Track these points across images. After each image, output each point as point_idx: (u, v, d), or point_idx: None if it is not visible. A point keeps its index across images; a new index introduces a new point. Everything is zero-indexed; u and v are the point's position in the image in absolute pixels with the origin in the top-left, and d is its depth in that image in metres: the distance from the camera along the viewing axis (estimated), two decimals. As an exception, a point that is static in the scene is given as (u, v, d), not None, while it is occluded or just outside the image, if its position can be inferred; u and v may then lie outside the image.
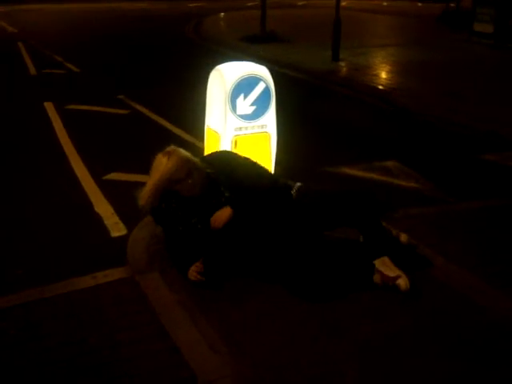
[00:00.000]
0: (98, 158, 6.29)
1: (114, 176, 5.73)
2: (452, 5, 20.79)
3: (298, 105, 8.79)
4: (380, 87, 10.07)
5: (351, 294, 3.45)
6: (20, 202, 5.19)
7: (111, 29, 20.35)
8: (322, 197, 3.80)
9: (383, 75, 11.29)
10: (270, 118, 4.07)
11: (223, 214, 3.53)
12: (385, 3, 32.75)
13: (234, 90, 3.86)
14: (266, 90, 3.97)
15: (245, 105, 3.93)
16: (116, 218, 4.73)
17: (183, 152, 3.59)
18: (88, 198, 5.20)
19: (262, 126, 4.04)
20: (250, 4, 28.77)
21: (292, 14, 25.69)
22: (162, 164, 3.51)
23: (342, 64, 12.26)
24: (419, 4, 31.43)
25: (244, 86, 3.89)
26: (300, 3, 32.93)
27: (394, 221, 4.33)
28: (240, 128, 3.97)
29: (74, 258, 4.09)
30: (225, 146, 3.97)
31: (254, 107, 3.96)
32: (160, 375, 2.86)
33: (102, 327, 3.24)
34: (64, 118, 7.94)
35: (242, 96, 3.90)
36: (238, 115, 3.93)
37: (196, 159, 3.62)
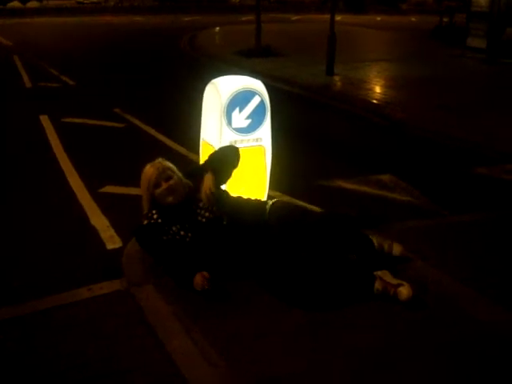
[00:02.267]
0: (94, 171, 6.31)
1: (109, 189, 5.75)
2: (445, 20, 20.99)
3: (292, 119, 8.84)
4: (375, 101, 10.14)
5: (347, 305, 3.45)
6: (15, 215, 5.19)
7: (107, 42, 20.45)
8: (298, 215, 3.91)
9: (378, 89, 11.37)
10: (265, 132, 4.10)
11: (208, 181, 3.77)
12: (378, 18, 33.03)
13: (229, 103, 3.89)
14: (261, 104, 4.00)
15: (240, 118, 3.96)
16: (111, 231, 4.74)
17: (167, 161, 3.87)
18: (84, 210, 5.22)
19: (257, 140, 4.08)
20: (244, 19, 28.97)
21: (286, 28, 25.87)
22: (145, 170, 3.82)
23: (337, 78, 12.35)
24: (413, 19, 31.71)
25: (239, 99, 3.93)
26: (294, 18, 33.16)
27: (390, 234, 4.35)
28: (235, 141, 4.00)
29: (70, 271, 4.10)
30: (220, 159, 3.99)
31: (249, 121, 4.00)
32: (156, 387, 2.88)
33: (98, 339, 3.25)
34: (59, 131, 7.96)
35: (237, 109, 3.94)
36: (233, 128, 3.96)
37: (178, 172, 3.85)
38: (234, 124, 3.96)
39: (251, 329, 3.27)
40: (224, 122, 3.92)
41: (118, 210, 5.16)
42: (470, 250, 4.28)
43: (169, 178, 3.76)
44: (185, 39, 20.72)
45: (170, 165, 3.85)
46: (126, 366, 3.03)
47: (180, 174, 3.83)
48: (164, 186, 3.74)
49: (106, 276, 3.95)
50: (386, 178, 6.21)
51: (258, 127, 4.04)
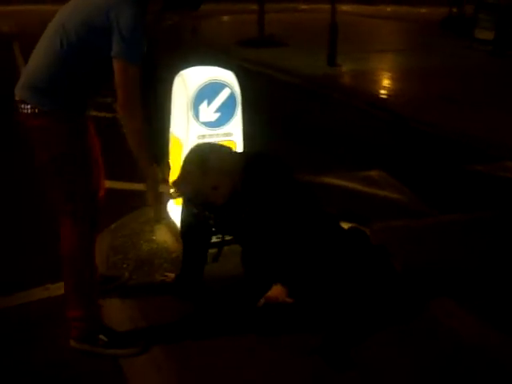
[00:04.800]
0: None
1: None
2: (455, 10, 20.61)
3: (287, 110, 8.65)
4: (375, 93, 9.92)
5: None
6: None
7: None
8: None
9: (380, 81, 11.14)
10: (235, 126, 3.88)
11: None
12: (388, 9, 32.57)
13: (196, 96, 3.68)
14: (231, 97, 3.78)
15: (208, 112, 3.75)
16: (80, 228, 4.53)
17: (220, 161, 3.04)
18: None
19: (227, 134, 3.85)
20: (253, 7, 28.62)
21: (293, 18, 25.54)
22: (195, 176, 3.03)
23: (338, 69, 12.10)
24: (423, 9, 31.23)
25: (207, 92, 3.71)
26: (302, 7, 32.72)
27: (372, 233, 4.13)
28: (203, 136, 3.78)
29: (29, 270, 3.89)
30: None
31: (218, 114, 3.78)
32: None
33: (49, 343, 3.09)
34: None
35: (205, 102, 3.72)
36: (201, 122, 3.75)
37: (232, 168, 3.05)
38: (202, 118, 3.74)
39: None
40: (191, 115, 3.71)
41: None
42: (453, 252, 4.07)
43: (216, 187, 3.11)
44: (188, 28, 20.41)
45: (223, 165, 3.10)
46: (77, 371, 2.88)
47: (231, 170, 3.10)
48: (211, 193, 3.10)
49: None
50: (375, 173, 5.98)
51: (227, 121, 3.82)
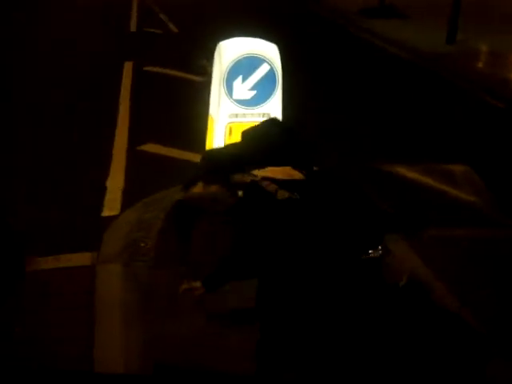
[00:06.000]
0: (146, 124, 6.03)
1: (148, 147, 5.43)
2: None
3: (388, 86, 8.06)
4: (494, 78, 8.97)
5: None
6: (39, 153, 5.10)
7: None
8: None
9: (502, 65, 10.12)
10: (274, 107, 3.51)
11: None
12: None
13: (230, 70, 3.36)
14: (271, 74, 3.41)
15: (243, 88, 3.41)
16: (118, 195, 4.42)
17: None
18: (108, 168, 4.94)
19: (264, 115, 3.49)
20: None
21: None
22: None
23: (457, 48, 11.12)
24: None
25: (244, 66, 3.37)
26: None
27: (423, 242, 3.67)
28: (236, 115, 3.46)
29: (51, 235, 3.80)
30: (219, 132, 3.49)
31: (253, 92, 3.43)
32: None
33: (31, 319, 2.99)
34: (136, 79, 7.76)
35: (240, 78, 3.39)
36: (234, 99, 3.43)
37: None
38: (236, 95, 3.41)
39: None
40: (223, 90, 3.40)
41: (141, 172, 4.83)
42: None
43: None
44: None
45: None
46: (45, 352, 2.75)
47: None
48: None
49: (83, 246, 3.62)
50: (458, 168, 5.32)
51: (264, 100, 3.46)
